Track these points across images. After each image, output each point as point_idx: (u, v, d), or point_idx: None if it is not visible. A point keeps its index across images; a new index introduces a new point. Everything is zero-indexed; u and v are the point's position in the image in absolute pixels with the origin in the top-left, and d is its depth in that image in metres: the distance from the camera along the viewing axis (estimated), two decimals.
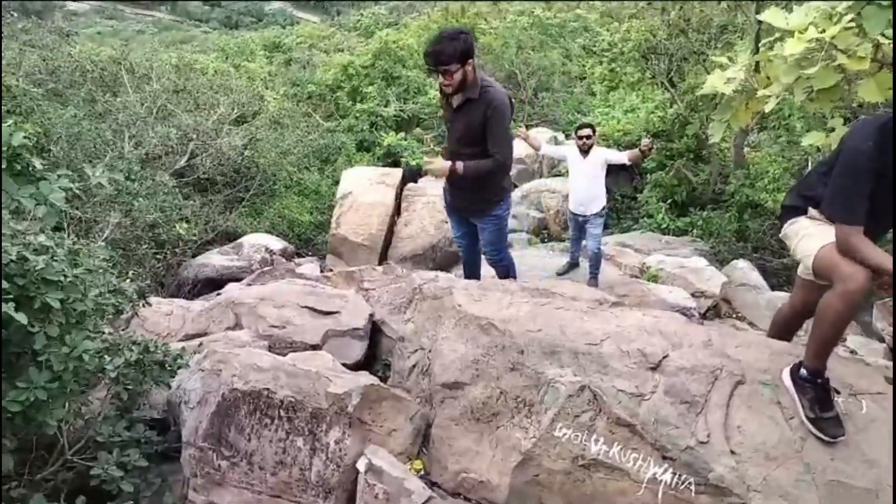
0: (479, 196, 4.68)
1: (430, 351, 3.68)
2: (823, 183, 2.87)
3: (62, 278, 3.17)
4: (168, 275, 10.47)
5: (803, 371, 2.86)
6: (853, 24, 3.27)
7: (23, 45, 13.19)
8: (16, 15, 12.85)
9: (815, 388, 2.82)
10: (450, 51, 4.11)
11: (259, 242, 11.36)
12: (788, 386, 2.93)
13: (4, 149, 2.85)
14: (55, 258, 3.22)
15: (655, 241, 10.64)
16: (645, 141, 6.59)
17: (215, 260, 10.70)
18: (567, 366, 3.15)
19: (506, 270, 5.14)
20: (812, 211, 2.98)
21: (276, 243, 11.61)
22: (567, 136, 19.19)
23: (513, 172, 15.40)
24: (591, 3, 22.28)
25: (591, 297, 3.62)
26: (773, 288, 8.84)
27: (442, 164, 4.50)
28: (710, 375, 2.98)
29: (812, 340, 2.79)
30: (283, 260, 10.95)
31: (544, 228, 12.47)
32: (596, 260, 7.45)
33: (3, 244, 2.96)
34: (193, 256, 11.13)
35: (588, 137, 6.95)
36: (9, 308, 2.69)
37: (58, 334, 3.19)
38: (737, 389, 2.97)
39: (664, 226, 11.82)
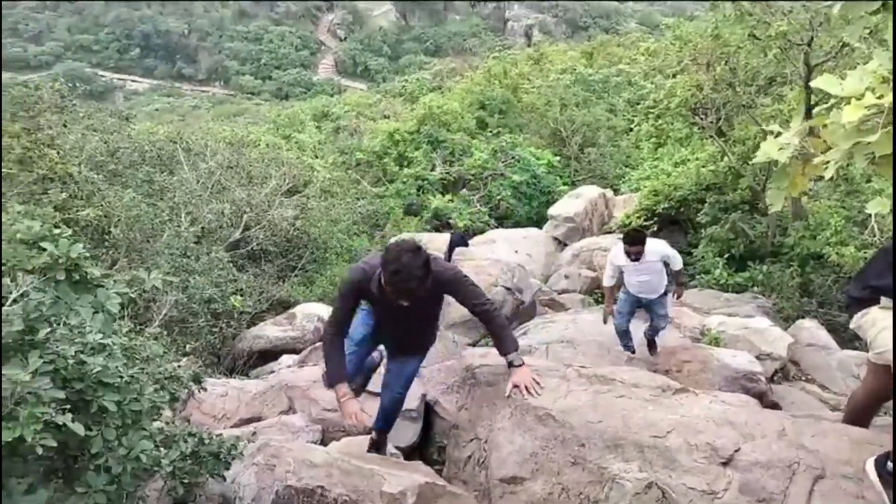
0: (429, 339, 4.39)
1: (486, 441, 3.56)
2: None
3: (118, 380, 3.19)
4: (223, 347, 10.61)
5: (891, 465, 2.65)
6: None
7: (85, 129, 13.83)
8: (76, 103, 13.48)
9: None
10: (422, 286, 3.64)
11: (311, 312, 11.43)
12: (874, 480, 2.72)
13: (63, 259, 2.92)
14: (111, 355, 3.24)
15: (714, 298, 10.34)
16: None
17: (269, 331, 10.82)
18: (632, 460, 3.00)
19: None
20: (884, 300, 2.82)
21: (329, 312, 11.68)
22: (616, 192, 19.07)
23: (562, 231, 15.38)
24: (633, 58, 22.38)
25: (654, 384, 3.46)
26: (841, 346, 8.48)
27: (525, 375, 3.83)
28: (787, 470, 2.79)
29: None
30: None
31: (597, 288, 12.26)
32: (658, 332, 6.89)
33: (62, 345, 3.00)
34: (248, 327, 11.28)
35: (639, 253, 6.17)
36: (66, 419, 2.70)
37: (115, 436, 3.19)
38: (817, 485, 2.77)
39: (722, 281, 11.49)
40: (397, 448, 4.72)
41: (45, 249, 3.10)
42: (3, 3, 78.54)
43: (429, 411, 5.14)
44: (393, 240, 4.11)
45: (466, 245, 12.90)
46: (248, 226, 13.62)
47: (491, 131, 22.67)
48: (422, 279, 3.57)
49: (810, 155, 3.72)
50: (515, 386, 3.66)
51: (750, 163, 11.44)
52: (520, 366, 3.74)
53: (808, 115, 7.85)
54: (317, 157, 21.26)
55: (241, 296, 11.16)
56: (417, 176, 19.91)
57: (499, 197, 19.59)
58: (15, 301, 2.99)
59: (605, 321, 6.96)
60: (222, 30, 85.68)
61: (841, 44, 10.13)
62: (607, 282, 6.66)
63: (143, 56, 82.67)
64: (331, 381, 3.89)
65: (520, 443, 3.35)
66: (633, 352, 7.09)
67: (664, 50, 14.15)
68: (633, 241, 6.17)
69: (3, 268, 3.20)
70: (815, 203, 12.01)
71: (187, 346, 8.63)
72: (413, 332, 4.23)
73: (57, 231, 3.30)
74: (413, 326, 4.20)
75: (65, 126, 11.25)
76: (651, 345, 7.13)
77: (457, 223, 17.21)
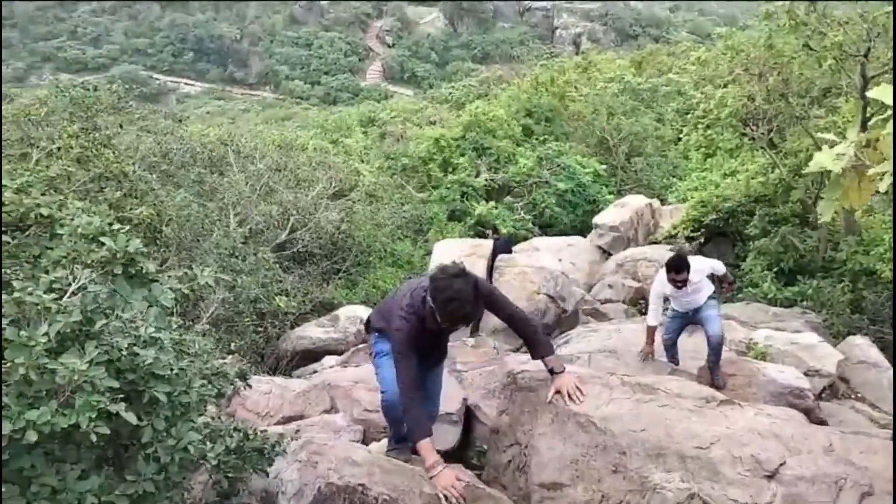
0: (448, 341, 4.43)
1: (526, 447, 3.57)
2: None
3: (169, 372, 3.28)
4: (267, 346, 10.79)
5: None
6: None
7: (139, 129, 14.24)
8: (132, 104, 13.90)
9: None
10: (477, 309, 3.66)
11: (354, 314, 11.56)
12: None
13: (120, 254, 3.02)
14: (162, 349, 3.33)
15: (762, 312, 10.13)
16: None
17: (312, 332, 10.97)
18: (674, 470, 2.97)
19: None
20: None
21: (366, 312, 11.80)
22: (663, 202, 18.82)
23: (607, 240, 15.25)
24: (683, 67, 22.12)
25: (698, 395, 3.43)
26: (894, 365, 8.24)
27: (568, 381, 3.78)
28: (833, 486, 2.74)
29: None
30: None
31: (641, 298, 12.13)
32: (718, 348, 6.29)
33: (116, 337, 3.09)
34: (292, 328, 11.46)
35: (685, 280, 5.85)
36: (119, 407, 2.79)
37: (164, 427, 3.28)
38: (864, 501, 2.71)
39: (770, 296, 11.25)
40: (437, 451, 4.75)
41: (103, 244, 3.22)
42: (64, 2, 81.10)
43: (469, 415, 5.16)
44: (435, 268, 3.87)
45: (510, 252, 12.89)
46: (294, 228, 13.86)
47: (537, 139, 22.62)
48: (475, 302, 3.54)
49: (866, 167, 3.65)
50: (557, 392, 3.62)
51: (802, 174, 11.21)
52: (561, 372, 3.70)
53: (863, 127, 7.66)
54: (363, 161, 21.50)
55: (286, 296, 11.35)
56: (462, 182, 20.00)
57: (543, 205, 19.56)
58: (74, 293, 3.10)
59: (643, 360, 6.67)
60: (273, 35, 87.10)
61: None
62: (652, 319, 6.41)
63: (196, 60, 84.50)
64: (414, 439, 3.61)
65: (560, 449, 3.35)
66: (678, 364, 6.98)
67: (715, 59, 13.94)
68: (679, 269, 5.84)
69: (64, 260, 3.33)
70: (868, 218, 11.69)
71: (232, 344, 8.82)
72: (443, 346, 4.27)
73: (115, 227, 3.42)
74: (445, 340, 4.24)
75: (121, 127, 11.58)
76: (714, 372, 6.45)
77: (500, 230, 17.22)
